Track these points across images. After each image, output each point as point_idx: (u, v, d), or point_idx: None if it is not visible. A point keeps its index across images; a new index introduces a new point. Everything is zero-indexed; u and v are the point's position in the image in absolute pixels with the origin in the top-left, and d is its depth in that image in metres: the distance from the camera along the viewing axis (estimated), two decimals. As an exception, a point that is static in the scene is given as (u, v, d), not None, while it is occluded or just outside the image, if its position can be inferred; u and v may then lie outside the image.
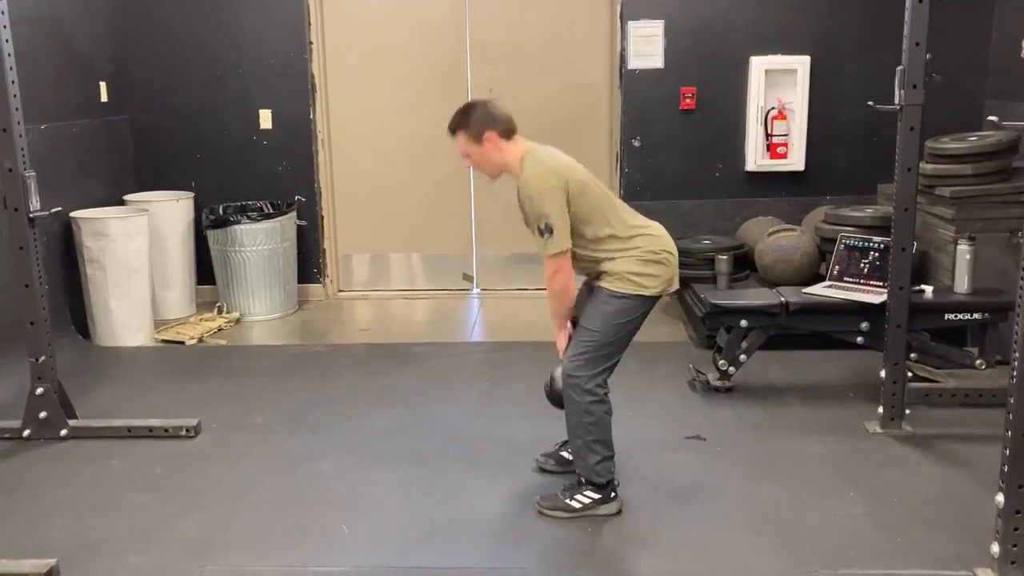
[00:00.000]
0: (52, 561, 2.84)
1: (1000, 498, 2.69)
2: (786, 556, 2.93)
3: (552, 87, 6.03)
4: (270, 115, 6.12)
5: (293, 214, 6.02)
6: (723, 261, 5.26)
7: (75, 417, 4.00)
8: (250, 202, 6.06)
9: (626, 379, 4.44)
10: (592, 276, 3.23)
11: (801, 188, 5.93)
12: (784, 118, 5.81)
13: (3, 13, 3.59)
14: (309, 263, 6.30)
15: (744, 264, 5.52)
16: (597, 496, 3.20)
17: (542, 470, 3.56)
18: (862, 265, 4.47)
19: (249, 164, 6.16)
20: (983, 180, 4.61)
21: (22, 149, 3.70)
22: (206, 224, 5.84)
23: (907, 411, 3.87)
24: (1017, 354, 2.63)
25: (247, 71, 6.07)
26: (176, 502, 3.37)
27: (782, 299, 4.30)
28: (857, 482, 3.42)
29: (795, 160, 5.87)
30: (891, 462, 3.59)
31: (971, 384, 4.15)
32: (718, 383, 4.34)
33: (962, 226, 4.55)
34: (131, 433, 3.96)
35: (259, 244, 5.77)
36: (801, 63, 5.76)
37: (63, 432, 3.92)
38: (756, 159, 5.87)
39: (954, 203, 4.62)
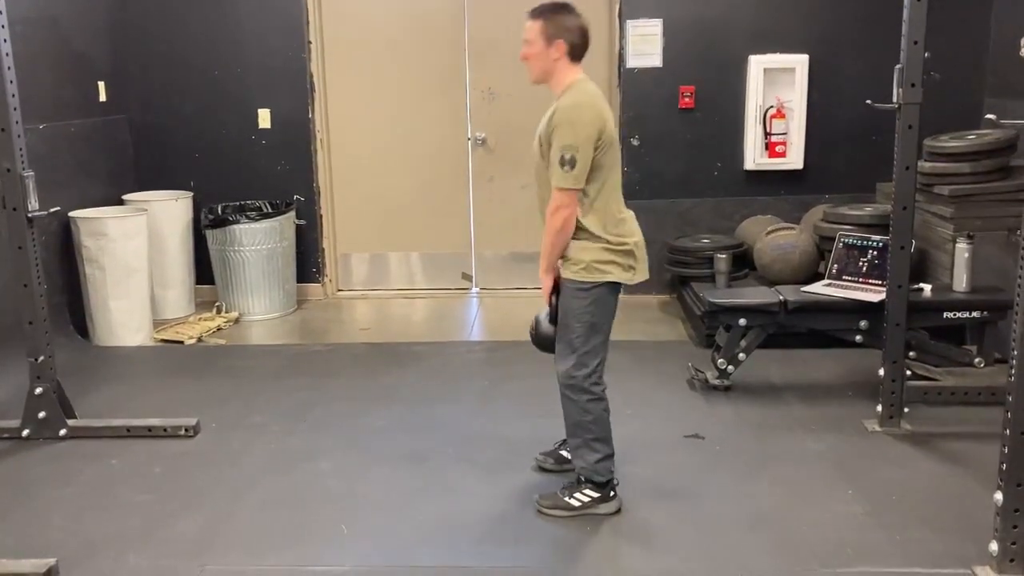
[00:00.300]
0: (51, 561, 2.84)
1: (999, 496, 2.69)
2: (785, 554, 2.93)
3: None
4: (269, 114, 6.12)
5: (292, 213, 6.02)
6: (722, 260, 5.27)
7: (74, 417, 4.01)
8: (249, 201, 6.06)
9: (625, 378, 4.47)
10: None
11: (800, 187, 5.93)
12: (783, 117, 5.81)
13: (1, 13, 3.59)
14: (308, 262, 6.30)
15: (743, 263, 5.53)
16: (596, 495, 3.20)
17: (541, 469, 3.56)
18: (861, 264, 4.47)
19: (248, 163, 6.16)
20: (982, 178, 4.61)
21: (20, 149, 3.70)
22: (205, 224, 5.84)
23: (906, 409, 3.87)
24: (1016, 352, 2.63)
25: (246, 70, 6.07)
26: (175, 501, 3.37)
27: (781, 298, 4.30)
28: (856, 480, 3.42)
29: (794, 159, 5.86)
30: (890, 460, 3.60)
31: (970, 382, 4.14)
32: (717, 382, 4.34)
33: (961, 224, 4.55)
34: (130, 433, 3.96)
35: (258, 243, 5.77)
36: (800, 62, 5.76)
37: (62, 432, 3.92)
38: (755, 158, 5.87)
39: (953, 201, 4.62)
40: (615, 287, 3.12)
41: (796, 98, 5.79)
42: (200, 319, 5.77)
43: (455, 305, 6.26)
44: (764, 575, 2.84)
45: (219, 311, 5.87)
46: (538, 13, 3.09)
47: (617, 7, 5.86)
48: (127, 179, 6.08)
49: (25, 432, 3.90)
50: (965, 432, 3.82)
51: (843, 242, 4.56)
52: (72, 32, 5.56)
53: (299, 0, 5.97)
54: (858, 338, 4.23)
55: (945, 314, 4.15)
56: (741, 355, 4.31)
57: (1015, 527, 2.68)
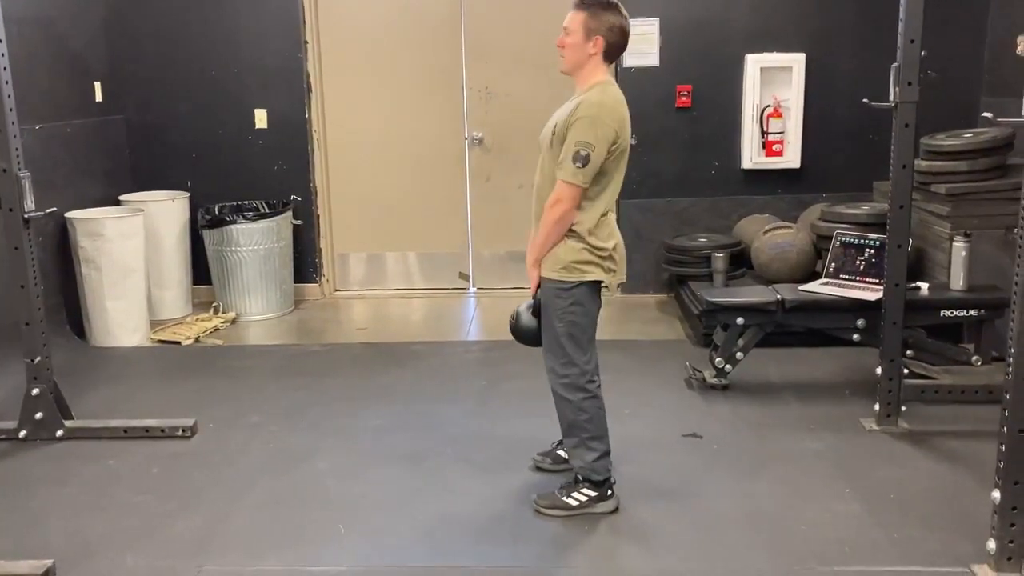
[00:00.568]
0: (49, 562, 2.84)
1: (996, 494, 2.69)
2: (783, 553, 2.93)
3: (548, 86, 6.02)
4: (265, 114, 6.11)
5: (289, 213, 6.01)
6: (719, 259, 5.27)
7: (71, 418, 4.00)
8: (246, 202, 6.05)
9: (623, 377, 4.47)
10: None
11: (797, 185, 5.94)
12: (780, 116, 5.81)
13: (-3, 13, 3.59)
14: (305, 262, 6.29)
15: (740, 262, 5.53)
16: (594, 494, 3.20)
17: (539, 469, 3.56)
18: (858, 262, 4.47)
19: (245, 164, 6.15)
20: (978, 177, 4.62)
21: (17, 149, 3.69)
22: (202, 224, 5.83)
23: (903, 408, 3.88)
24: (1013, 350, 2.64)
25: (242, 70, 6.07)
26: (173, 502, 3.37)
27: (778, 296, 4.30)
28: (853, 479, 3.42)
29: (791, 158, 5.87)
30: (887, 459, 3.60)
31: (967, 381, 4.15)
32: (715, 381, 4.34)
33: (958, 223, 4.56)
34: (127, 433, 3.96)
35: (255, 244, 5.76)
36: (796, 60, 5.76)
37: (59, 433, 3.91)
38: (752, 157, 5.87)
39: (950, 200, 4.62)
40: (595, 286, 3.12)
41: (793, 97, 5.79)
42: (197, 319, 5.77)
43: (452, 305, 6.26)
44: (761, 573, 2.84)
45: (216, 311, 5.86)
46: (584, 4, 3.04)
47: (614, 6, 5.85)
48: (123, 179, 6.07)
49: (22, 433, 3.89)
50: (962, 430, 3.82)
51: (840, 241, 4.57)
52: (68, 32, 5.55)
53: (296, 0, 5.97)
54: (855, 337, 4.24)
55: (942, 312, 4.16)
56: (739, 354, 4.31)
57: (1012, 525, 2.68)
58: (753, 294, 4.46)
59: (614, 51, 3.07)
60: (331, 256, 6.44)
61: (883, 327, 3.83)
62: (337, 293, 6.49)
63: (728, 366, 4.32)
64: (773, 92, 5.81)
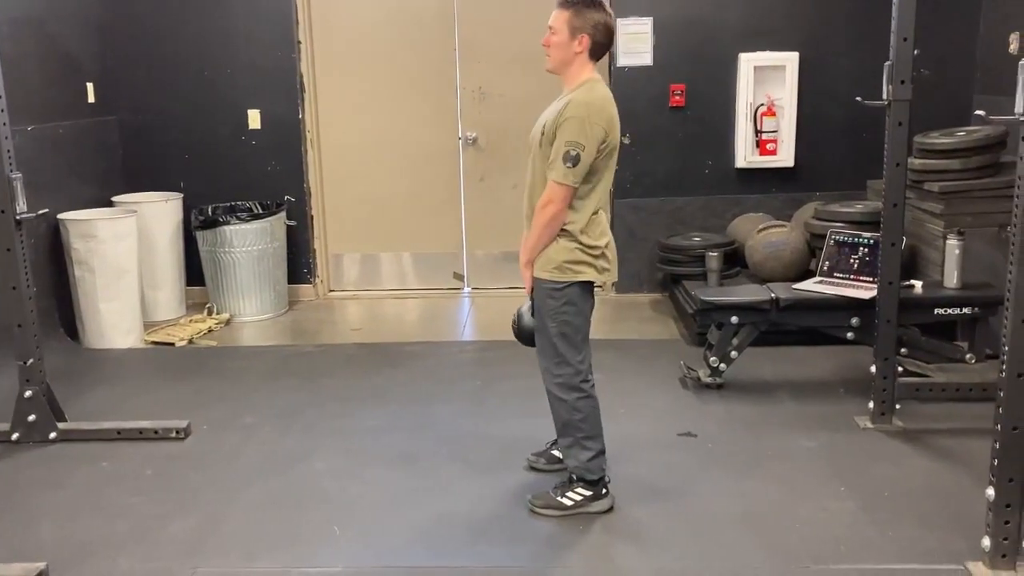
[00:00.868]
0: (42, 564, 2.83)
1: (990, 492, 2.69)
2: (778, 551, 2.94)
3: (541, 85, 6.00)
4: (259, 115, 6.09)
5: (283, 214, 6.00)
6: (713, 258, 5.26)
7: (64, 420, 3.99)
8: (239, 202, 6.04)
9: (618, 377, 4.47)
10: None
11: (791, 184, 5.94)
12: (773, 114, 5.82)
13: (-12, 14, 3.57)
14: (299, 263, 6.28)
15: (734, 261, 5.53)
16: (589, 493, 3.20)
17: (533, 469, 3.55)
18: (852, 261, 4.48)
19: (238, 164, 6.14)
20: (972, 175, 4.62)
21: (8, 151, 3.67)
22: (195, 225, 5.82)
23: (897, 406, 3.88)
24: (1007, 348, 2.64)
25: (235, 71, 6.05)
26: (167, 504, 3.36)
27: (772, 295, 4.31)
28: (848, 477, 3.43)
29: (784, 156, 5.87)
30: (882, 457, 3.60)
31: (961, 378, 4.16)
32: (709, 380, 4.35)
33: (951, 221, 4.56)
34: (121, 435, 3.94)
35: (249, 244, 5.75)
36: (790, 59, 5.76)
37: (52, 435, 3.90)
38: (746, 156, 5.87)
39: (943, 198, 4.62)
40: (588, 285, 3.12)
41: (786, 96, 5.80)
42: (191, 321, 5.75)
43: (447, 305, 6.25)
44: (757, 572, 2.84)
45: (210, 312, 5.85)
46: (569, 3, 3.04)
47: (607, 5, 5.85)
48: (116, 180, 6.05)
49: (15, 436, 3.88)
50: (957, 428, 3.83)
51: (834, 239, 4.57)
52: (60, 33, 5.53)
53: (289, 0, 5.96)
54: (850, 335, 4.24)
55: (936, 310, 4.17)
56: (733, 353, 4.32)
57: (1007, 522, 2.69)
58: (747, 293, 4.47)
59: (600, 49, 3.08)
60: (325, 257, 6.43)
61: (877, 325, 3.83)
62: (331, 294, 6.48)
63: (723, 365, 4.32)
64: (767, 91, 5.82)
